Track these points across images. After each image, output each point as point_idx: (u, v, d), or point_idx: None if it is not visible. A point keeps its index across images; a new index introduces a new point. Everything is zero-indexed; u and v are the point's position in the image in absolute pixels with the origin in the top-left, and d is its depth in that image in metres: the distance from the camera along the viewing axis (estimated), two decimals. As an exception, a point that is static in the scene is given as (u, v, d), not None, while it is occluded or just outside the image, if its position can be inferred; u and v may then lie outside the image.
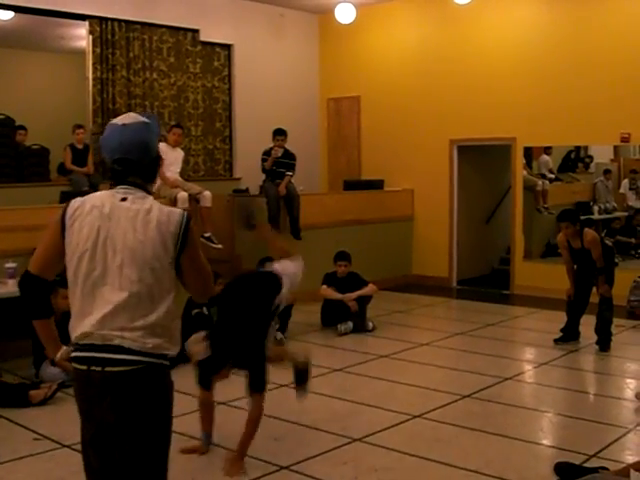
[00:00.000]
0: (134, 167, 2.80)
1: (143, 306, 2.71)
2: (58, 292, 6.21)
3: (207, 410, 4.85)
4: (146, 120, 2.85)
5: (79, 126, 9.53)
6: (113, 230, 2.70)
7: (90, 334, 2.69)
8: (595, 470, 4.23)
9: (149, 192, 2.85)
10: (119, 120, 2.85)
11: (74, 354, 2.75)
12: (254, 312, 4.76)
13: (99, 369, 2.67)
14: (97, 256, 2.70)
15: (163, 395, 2.79)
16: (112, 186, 2.84)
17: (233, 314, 4.73)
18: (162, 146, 8.71)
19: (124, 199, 2.76)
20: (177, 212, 2.79)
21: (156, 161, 2.90)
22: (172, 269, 2.76)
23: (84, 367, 2.71)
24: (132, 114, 2.93)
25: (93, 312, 2.70)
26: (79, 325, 2.73)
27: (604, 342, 7.45)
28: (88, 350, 2.70)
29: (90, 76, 9.85)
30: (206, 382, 4.74)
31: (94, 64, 9.82)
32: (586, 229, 7.54)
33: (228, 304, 4.88)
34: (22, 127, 10.07)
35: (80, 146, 9.38)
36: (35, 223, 7.29)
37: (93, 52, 9.81)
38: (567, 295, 7.70)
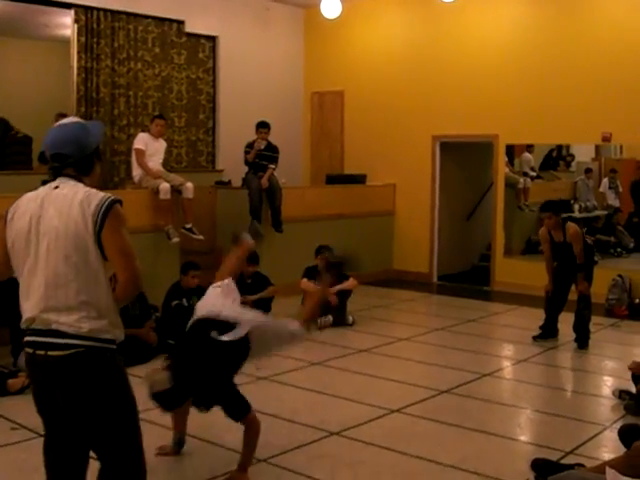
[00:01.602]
0: (68, 161, 2.97)
1: (72, 286, 2.83)
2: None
3: (178, 412, 4.55)
4: (81, 121, 3.14)
5: (62, 115, 9.44)
6: (43, 217, 2.87)
7: (32, 319, 2.90)
8: (571, 467, 4.27)
9: (83, 182, 2.99)
10: (60, 122, 3.12)
11: (25, 338, 2.95)
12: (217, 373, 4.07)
13: (42, 353, 2.87)
14: (31, 244, 2.88)
15: (108, 378, 2.90)
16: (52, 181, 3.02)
17: (193, 363, 3.91)
18: (145, 137, 8.68)
19: (57, 187, 2.95)
20: (100, 194, 2.90)
21: (90, 158, 3.04)
22: (96, 248, 2.84)
23: (30, 351, 2.92)
24: (75, 118, 3.25)
25: (30, 297, 2.90)
26: (24, 311, 2.93)
27: (582, 340, 7.51)
28: (33, 334, 2.91)
29: (75, 65, 9.78)
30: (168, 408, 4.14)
31: (79, 53, 9.75)
32: (569, 222, 7.58)
33: (188, 350, 4.07)
34: None
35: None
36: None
37: (78, 41, 9.73)
38: (545, 291, 7.75)
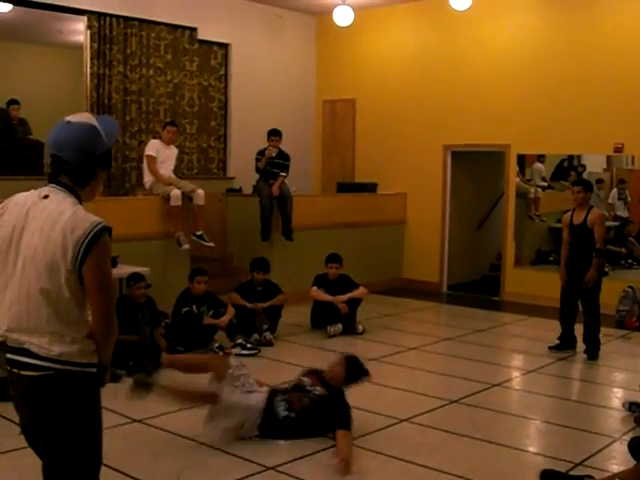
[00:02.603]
0: (64, 167, 2.73)
1: (43, 312, 2.65)
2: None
3: None
4: (93, 123, 2.76)
5: (74, 120, 9.51)
6: (25, 229, 2.67)
7: (6, 336, 2.75)
8: (580, 478, 4.25)
9: (77, 195, 2.74)
10: (69, 117, 2.80)
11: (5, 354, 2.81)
12: None
13: (16, 371, 2.75)
14: (9, 255, 2.70)
15: (75, 403, 2.72)
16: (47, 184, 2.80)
17: None
18: (156, 143, 8.72)
19: (46, 196, 2.71)
20: (89, 220, 2.64)
21: (91, 165, 2.76)
22: (73, 276, 2.63)
23: (7, 367, 2.79)
24: (87, 114, 2.87)
25: (4, 314, 2.73)
26: None
27: (592, 351, 7.47)
28: (8, 351, 2.77)
29: (87, 71, 9.84)
30: None
31: (91, 59, 9.81)
32: (595, 207, 7.48)
33: None
34: (15, 101, 9.90)
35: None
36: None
37: (91, 47, 9.79)
38: (561, 278, 7.61)
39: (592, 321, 7.46)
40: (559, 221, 8.26)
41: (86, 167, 2.74)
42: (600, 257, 7.30)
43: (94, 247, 2.60)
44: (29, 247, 2.64)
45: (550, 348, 7.64)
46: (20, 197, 2.80)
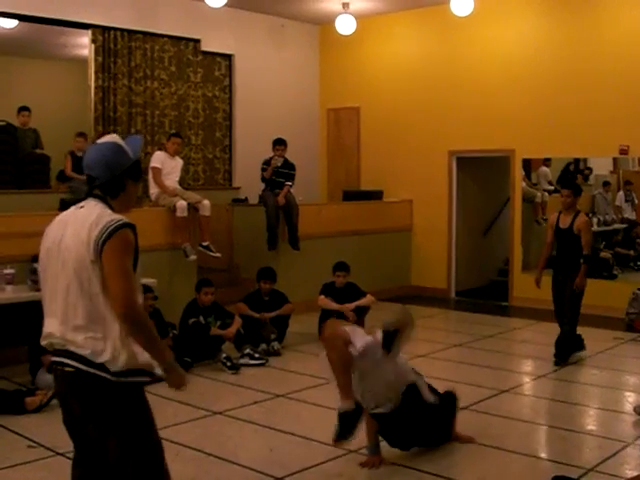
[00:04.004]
0: (95, 183, 3.01)
1: (79, 304, 2.83)
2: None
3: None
4: (116, 141, 3.04)
5: (80, 134, 9.54)
6: (64, 236, 2.91)
7: (50, 340, 2.94)
8: None
9: (109, 204, 2.98)
10: (98, 140, 3.12)
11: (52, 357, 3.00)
12: None
13: (60, 367, 2.94)
14: (52, 262, 2.93)
15: (115, 406, 2.86)
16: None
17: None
18: (161, 155, 8.74)
19: (81, 207, 2.98)
20: (110, 217, 2.87)
21: (119, 179, 3.01)
22: (97, 267, 2.80)
23: (53, 365, 3.00)
24: (114, 135, 3.16)
25: (50, 314, 2.94)
26: (45, 326, 2.96)
27: (560, 355, 7.33)
28: (54, 354, 2.96)
29: (92, 84, 9.89)
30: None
31: (96, 72, 9.86)
32: (582, 213, 7.43)
33: None
34: (26, 108, 9.88)
35: (80, 154, 9.36)
36: (33, 230, 7.24)
37: (95, 60, 9.85)
38: (535, 280, 7.58)
39: (567, 325, 7.35)
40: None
41: (114, 180, 3.00)
42: (587, 263, 7.22)
43: (113, 237, 2.80)
44: (65, 250, 2.89)
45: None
46: (64, 213, 3.09)
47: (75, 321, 2.84)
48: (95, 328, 2.83)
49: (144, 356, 2.86)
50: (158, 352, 2.89)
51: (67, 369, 2.87)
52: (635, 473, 4.62)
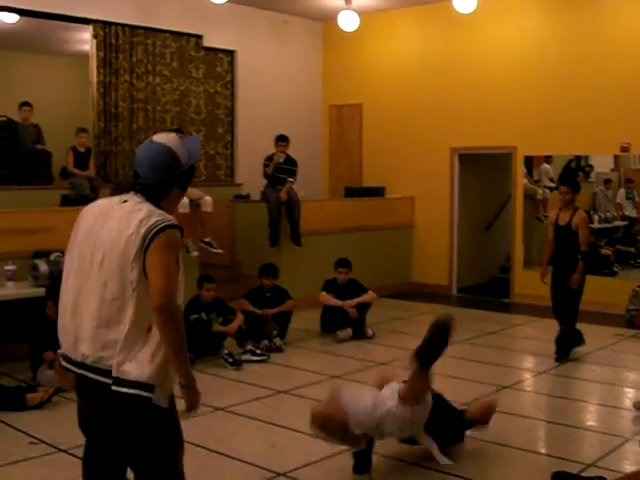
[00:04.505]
0: (139, 180, 2.90)
1: (116, 304, 2.74)
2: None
3: None
4: (170, 145, 2.90)
5: (82, 129, 9.55)
6: (103, 228, 2.81)
7: (70, 348, 2.87)
8: (592, 479, 4.24)
9: (153, 204, 2.86)
10: (155, 136, 2.98)
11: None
12: None
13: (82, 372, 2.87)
14: (86, 256, 2.83)
15: (140, 420, 2.78)
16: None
17: None
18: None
19: (125, 201, 2.87)
20: (163, 216, 2.78)
21: (165, 184, 2.89)
22: (139, 265, 2.71)
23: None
24: (173, 135, 3.01)
25: (82, 310, 2.82)
26: (69, 319, 2.86)
27: (561, 352, 7.36)
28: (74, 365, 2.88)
29: (94, 80, 9.89)
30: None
31: (97, 68, 9.86)
32: (580, 209, 7.44)
33: None
34: (27, 103, 9.82)
35: (82, 149, 9.40)
36: (35, 226, 7.31)
37: (97, 56, 9.84)
38: (541, 277, 7.62)
39: (567, 323, 7.38)
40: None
41: (159, 185, 2.89)
42: (585, 260, 7.23)
43: (161, 234, 2.72)
44: (107, 243, 2.78)
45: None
46: (101, 201, 3.00)
47: (109, 319, 2.75)
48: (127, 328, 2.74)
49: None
50: (183, 360, 2.76)
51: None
52: (634, 468, 4.64)
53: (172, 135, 3.01)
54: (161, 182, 2.88)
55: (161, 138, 2.95)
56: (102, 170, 9.87)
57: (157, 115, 10.47)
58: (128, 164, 10.08)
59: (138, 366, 2.70)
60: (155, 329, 2.72)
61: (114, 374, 2.71)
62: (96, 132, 9.87)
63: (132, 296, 2.73)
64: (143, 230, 2.72)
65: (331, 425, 4.32)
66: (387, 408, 4.35)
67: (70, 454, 4.77)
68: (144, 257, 2.72)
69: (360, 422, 4.31)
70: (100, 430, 2.88)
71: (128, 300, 2.73)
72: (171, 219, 2.80)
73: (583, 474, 4.48)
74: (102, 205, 2.94)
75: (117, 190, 9.71)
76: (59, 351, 2.97)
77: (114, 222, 2.80)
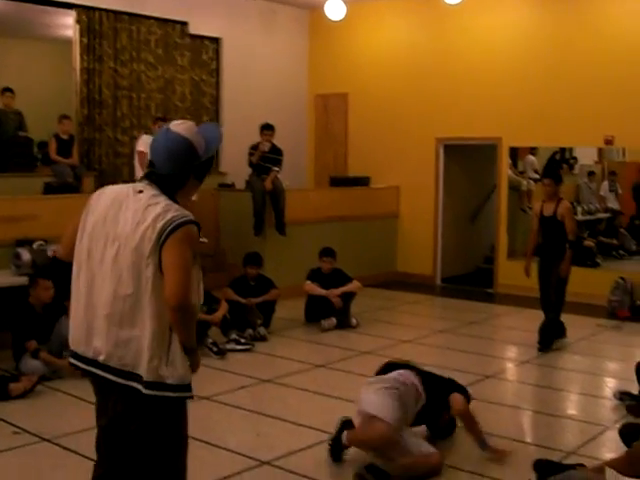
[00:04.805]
0: (153, 170, 2.83)
1: (128, 300, 2.69)
2: (38, 284, 6.19)
3: None
4: (188, 137, 2.82)
5: (65, 116, 9.46)
6: (118, 219, 2.74)
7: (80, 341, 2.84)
8: (573, 467, 4.28)
9: (168, 197, 2.80)
10: (173, 124, 2.88)
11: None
12: None
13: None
14: (98, 244, 2.76)
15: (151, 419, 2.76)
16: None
17: None
18: (147, 139, 8.70)
19: (140, 191, 2.78)
20: (181, 211, 2.71)
21: (181, 176, 2.82)
22: (154, 260, 2.66)
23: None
24: (190, 124, 2.92)
25: (96, 303, 2.77)
26: (83, 309, 2.81)
27: (544, 342, 7.43)
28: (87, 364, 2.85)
29: (77, 66, 9.79)
30: None
31: (81, 54, 9.75)
32: (564, 199, 7.55)
33: None
34: (9, 89, 9.63)
35: (65, 137, 9.32)
36: (18, 214, 7.26)
37: (80, 42, 9.74)
38: (525, 269, 7.68)
39: (553, 311, 7.48)
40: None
41: (175, 177, 2.81)
42: (572, 249, 7.33)
43: (178, 230, 2.65)
44: (121, 236, 2.70)
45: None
46: (114, 188, 2.90)
47: (122, 314, 2.70)
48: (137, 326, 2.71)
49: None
50: (191, 336, 2.75)
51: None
52: (614, 456, 4.70)
53: (190, 124, 2.93)
54: (177, 174, 2.81)
55: (178, 128, 2.85)
56: (85, 158, 9.79)
57: (142, 103, 10.39)
58: (112, 152, 10.04)
59: (174, 369, 2.68)
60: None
61: (149, 378, 2.66)
62: (79, 119, 9.79)
63: (148, 293, 2.67)
64: (159, 225, 2.65)
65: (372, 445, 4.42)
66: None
67: (54, 443, 4.77)
68: (160, 253, 2.65)
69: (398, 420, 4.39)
70: (111, 424, 2.84)
71: (143, 297, 2.67)
72: (188, 214, 2.73)
73: (564, 462, 4.52)
74: (115, 193, 2.85)
75: (101, 178, 9.67)
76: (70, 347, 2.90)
77: (129, 214, 2.72)
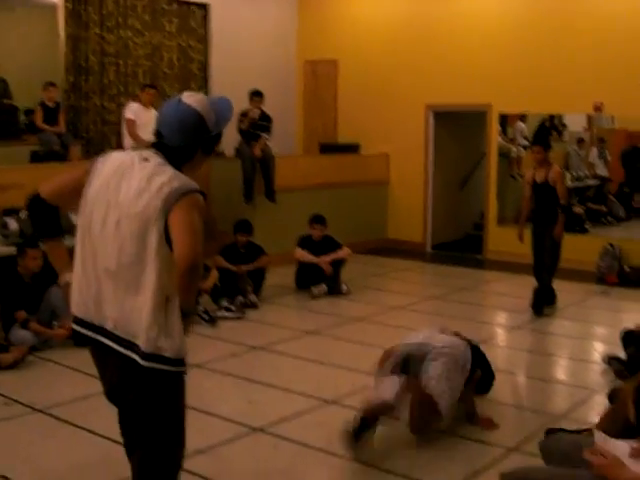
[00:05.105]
0: (161, 140, 2.77)
1: (137, 268, 2.65)
2: (27, 253, 6.15)
3: None
4: (198, 109, 2.76)
5: (50, 84, 9.33)
6: (122, 187, 2.68)
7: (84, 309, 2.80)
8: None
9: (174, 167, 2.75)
10: (184, 95, 2.82)
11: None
12: None
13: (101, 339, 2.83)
14: (100, 210, 2.71)
15: (154, 388, 2.75)
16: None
17: None
18: (135, 106, 8.64)
19: (146, 159, 2.73)
20: (188, 181, 2.68)
21: (189, 149, 2.77)
22: (160, 227, 2.61)
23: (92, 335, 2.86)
24: (201, 96, 2.87)
25: (100, 274, 2.74)
26: (84, 274, 2.78)
27: (537, 305, 7.54)
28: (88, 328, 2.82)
29: (62, 33, 9.66)
30: None
31: (66, 20, 9.61)
32: (554, 164, 7.65)
33: None
34: None
35: (51, 104, 9.20)
36: (4, 183, 7.18)
37: (65, 7, 9.60)
38: (518, 235, 7.78)
39: (546, 275, 7.60)
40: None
41: (183, 149, 2.76)
42: (565, 213, 7.53)
43: (185, 197, 2.61)
44: (124, 203, 2.65)
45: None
46: (119, 155, 2.83)
47: (126, 283, 2.66)
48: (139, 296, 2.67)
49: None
50: (193, 300, 2.76)
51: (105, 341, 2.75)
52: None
53: (201, 97, 2.87)
54: (185, 146, 2.77)
55: (190, 100, 2.79)
56: (72, 126, 9.68)
57: (129, 69, 10.27)
58: (99, 119, 9.93)
59: (172, 342, 2.65)
60: (173, 299, 2.64)
61: (149, 350, 2.63)
62: (65, 87, 9.67)
63: (153, 261, 2.62)
64: (165, 192, 2.61)
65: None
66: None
67: (46, 414, 4.77)
68: (166, 221, 2.61)
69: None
70: (113, 395, 2.85)
71: (148, 265, 2.63)
72: (194, 184, 2.68)
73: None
74: (120, 160, 2.78)
75: (88, 146, 9.59)
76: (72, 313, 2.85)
77: (133, 182, 2.67)
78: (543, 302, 7.55)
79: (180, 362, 2.70)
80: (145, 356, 2.64)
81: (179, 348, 2.67)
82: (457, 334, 4.83)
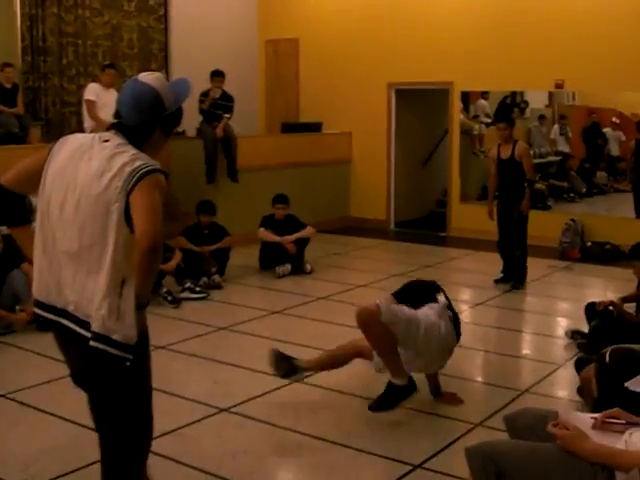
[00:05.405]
0: (119, 120, 2.75)
1: (94, 247, 2.62)
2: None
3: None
4: (155, 86, 2.74)
5: (7, 64, 9.15)
6: (81, 169, 2.65)
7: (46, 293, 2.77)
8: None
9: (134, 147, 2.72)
10: (141, 75, 2.80)
11: None
12: None
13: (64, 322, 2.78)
14: (59, 193, 2.67)
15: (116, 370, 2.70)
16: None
17: None
18: (95, 87, 8.53)
19: (106, 140, 2.71)
20: (149, 161, 2.65)
21: (147, 127, 2.74)
22: (121, 207, 2.57)
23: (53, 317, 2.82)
24: (158, 75, 2.85)
25: (60, 256, 2.71)
26: (45, 258, 2.74)
27: (517, 279, 7.74)
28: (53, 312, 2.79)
29: (18, 11, 9.46)
30: None
31: (22, -1, 9.43)
32: (519, 141, 7.77)
33: None
34: None
35: (8, 85, 9.02)
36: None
37: (20, -14, 9.41)
38: (488, 211, 7.85)
39: (518, 249, 7.72)
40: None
41: (141, 127, 2.74)
42: (531, 187, 7.71)
43: (146, 177, 2.58)
44: (84, 184, 2.62)
45: (496, 281, 7.83)
46: (78, 137, 2.80)
47: (89, 266, 2.62)
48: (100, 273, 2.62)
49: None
50: (150, 286, 2.71)
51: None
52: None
53: (158, 75, 2.84)
54: (143, 124, 2.74)
55: (146, 78, 2.77)
56: (31, 107, 9.52)
57: (88, 50, 10.11)
58: (59, 101, 9.77)
59: (122, 326, 2.60)
60: (130, 282, 2.60)
61: (97, 329, 2.60)
62: (23, 68, 9.50)
63: (112, 241, 2.59)
64: (126, 172, 2.58)
65: (371, 323, 4.40)
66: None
67: (9, 399, 4.72)
68: (126, 201, 2.58)
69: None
70: (79, 379, 2.82)
71: (107, 246, 2.60)
72: (156, 163, 2.66)
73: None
74: (79, 142, 2.75)
75: (48, 128, 9.44)
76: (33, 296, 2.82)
77: (94, 163, 2.64)
78: (522, 274, 7.74)
79: (128, 348, 2.63)
80: (94, 336, 2.61)
81: (129, 334, 2.62)
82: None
